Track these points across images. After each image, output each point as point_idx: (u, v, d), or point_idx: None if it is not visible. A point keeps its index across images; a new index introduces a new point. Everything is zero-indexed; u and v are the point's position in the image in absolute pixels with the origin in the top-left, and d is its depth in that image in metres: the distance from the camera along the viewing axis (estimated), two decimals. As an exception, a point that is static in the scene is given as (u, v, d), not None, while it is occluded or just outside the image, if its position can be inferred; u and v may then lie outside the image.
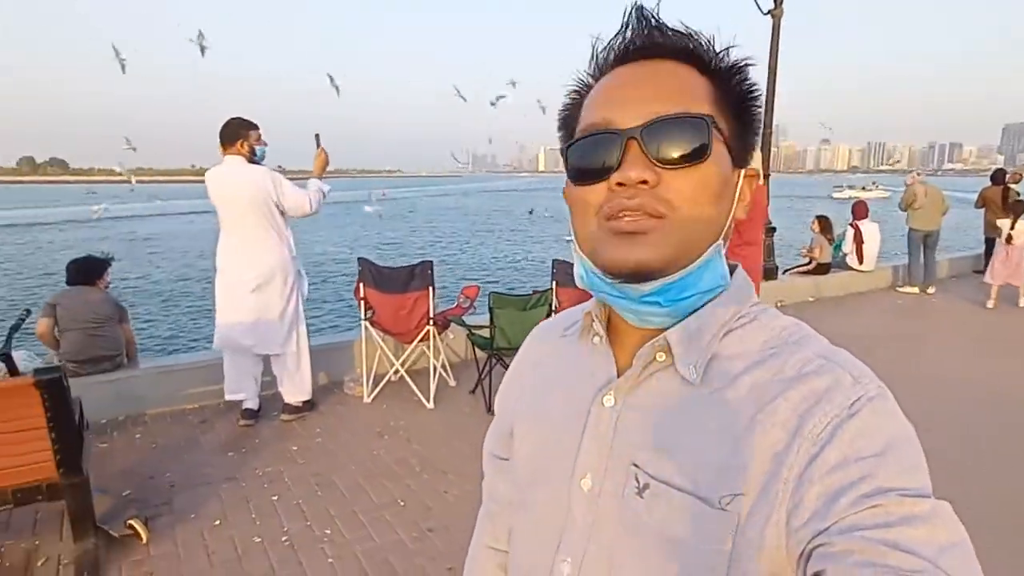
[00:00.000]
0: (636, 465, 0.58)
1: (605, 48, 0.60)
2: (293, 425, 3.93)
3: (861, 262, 8.01)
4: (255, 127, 3.70)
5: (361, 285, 4.29)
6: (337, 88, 7.62)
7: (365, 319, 4.32)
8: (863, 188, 65.33)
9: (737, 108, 0.59)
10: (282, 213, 3.78)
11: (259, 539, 2.72)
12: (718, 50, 0.58)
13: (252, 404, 3.95)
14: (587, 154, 0.57)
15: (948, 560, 0.43)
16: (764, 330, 0.60)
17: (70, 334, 3.84)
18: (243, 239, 3.72)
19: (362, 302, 4.31)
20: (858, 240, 7.97)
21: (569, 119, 0.64)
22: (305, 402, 4.07)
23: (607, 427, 0.61)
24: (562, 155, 0.62)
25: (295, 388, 4.01)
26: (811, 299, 7.54)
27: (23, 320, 3.16)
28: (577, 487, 0.62)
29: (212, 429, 3.86)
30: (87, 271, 4.02)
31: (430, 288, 4.14)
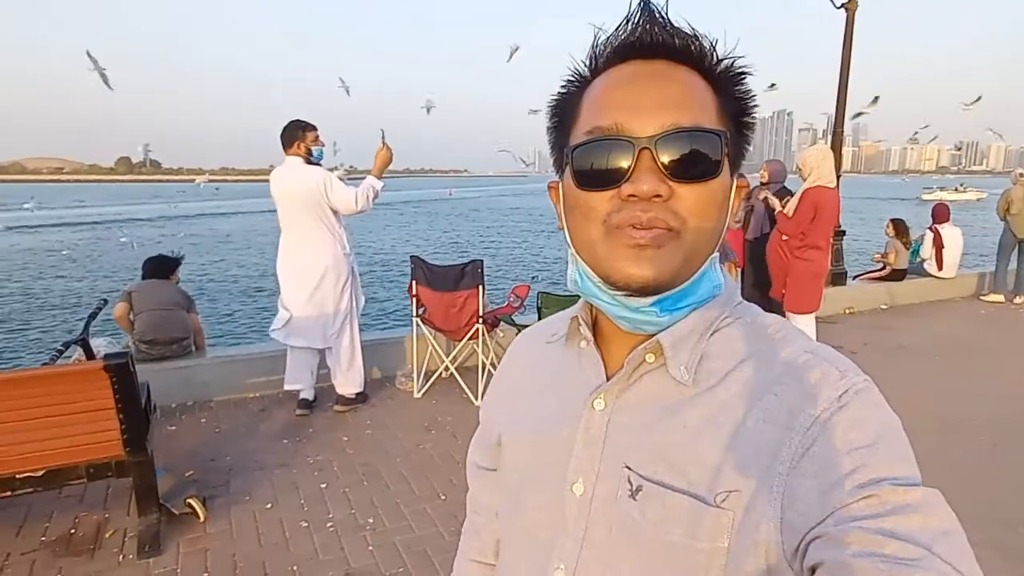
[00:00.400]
0: (629, 467, 0.57)
1: (606, 41, 0.58)
2: (345, 416, 4.08)
3: (940, 268, 7.51)
4: (312, 128, 3.85)
5: (414, 283, 4.40)
6: (347, 89, 7.76)
7: (416, 316, 4.42)
8: (955, 189, 61.50)
9: (737, 117, 0.58)
10: (335, 212, 3.92)
11: (306, 524, 2.84)
12: (720, 55, 0.57)
13: (308, 395, 4.12)
14: (595, 159, 0.55)
15: (943, 547, 0.42)
16: (750, 328, 0.60)
17: (143, 316, 4.16)
18: (300, 237, 3.89)
19: (414, 299, 4.42)
20: (937, 245, 7.47)
21: (563, 111, 0.62)
22: (357, 394, 4.20)
23: (598, 431, 0.60)
24: (563, 154, 0.60)
25: (348, 381, 4.15)
26: (884, 306, 7.14)
27: (100, 309, 3.42)
28: (569, 492, 0.61)
29: (270, 417, 4.05)
30: (161, 267, 4.43)
31: (480, 287, 4.19)
